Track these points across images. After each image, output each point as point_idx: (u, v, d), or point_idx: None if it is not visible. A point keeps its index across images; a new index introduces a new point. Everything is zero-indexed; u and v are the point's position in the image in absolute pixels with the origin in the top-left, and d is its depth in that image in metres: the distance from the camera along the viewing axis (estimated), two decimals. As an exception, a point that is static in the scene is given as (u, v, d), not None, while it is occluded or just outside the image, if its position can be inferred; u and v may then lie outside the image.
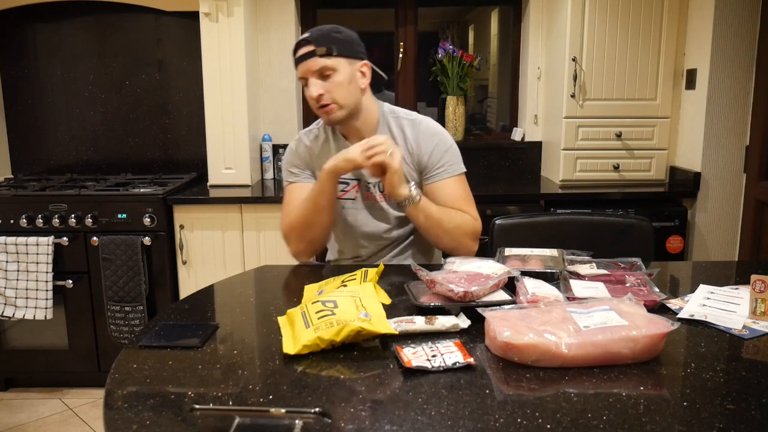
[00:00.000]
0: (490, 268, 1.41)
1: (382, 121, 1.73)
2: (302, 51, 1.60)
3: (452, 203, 1.69)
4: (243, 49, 3.00)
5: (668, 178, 3.12)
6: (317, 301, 1.21)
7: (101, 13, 3.30)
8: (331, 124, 1.70)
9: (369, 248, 1.80)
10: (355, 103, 1.65)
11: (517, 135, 3.53)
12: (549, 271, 1.45)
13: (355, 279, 1.39)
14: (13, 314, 2.78)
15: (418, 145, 1.71)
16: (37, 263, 2.74)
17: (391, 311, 1.29)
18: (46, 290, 2.76)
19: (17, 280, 2.76)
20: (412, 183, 1.63)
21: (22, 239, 2.73)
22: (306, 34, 1.61)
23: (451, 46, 3.40)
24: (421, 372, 1.04)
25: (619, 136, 3.04)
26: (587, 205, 2.88)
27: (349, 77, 1.61)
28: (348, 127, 1.71)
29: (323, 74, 1.59)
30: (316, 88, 1.59)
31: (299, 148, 1.80)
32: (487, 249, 1.94)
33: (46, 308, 2.77)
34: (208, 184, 3.12)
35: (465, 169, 1.76)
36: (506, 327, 1.09)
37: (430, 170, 1.71)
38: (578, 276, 1.44)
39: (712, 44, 2.78)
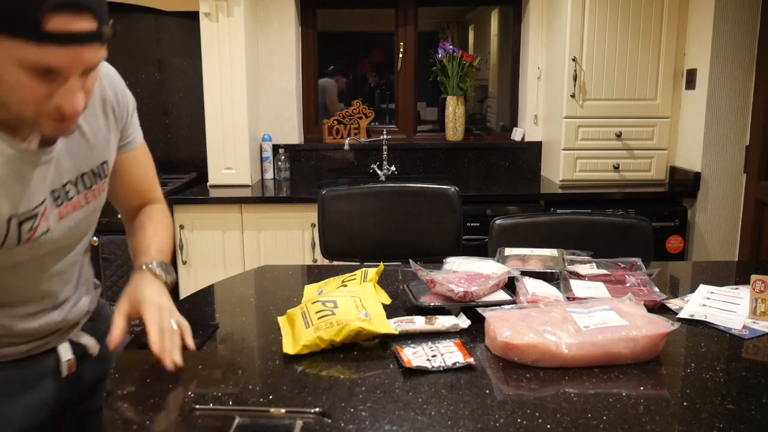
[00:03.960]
0: (490, 268, 1.41)
1: None
2: (79, 26, 0.79)
3: (147, 178, 1.25)
4: (243, 49, 3.00)
5: (668, 178, 3.12)
6: (317, 301, 1.21)
7: (101, 13, 3.30)
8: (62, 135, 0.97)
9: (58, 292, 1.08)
10: None
11: (517, 135, 3.53)
12: (549, 271, 1.45)
13: (355, 279, 1.39)
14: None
15: (118, 96, 1.12)
16: (37, 263, 2.73)
17: (391, 311, 1.29)
18: (46, 290, 2.75)
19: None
20: (157, 272, 1.14)
21: (22, 239, 2.72)
22: None
23: (451, 46, 3.40)
24: (421, 372, 1.04)
25: (619, 136, 3.04)
26: (587, 205, 2.88)
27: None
28: None
29: (86, 70, 0.86)
30: (81, 97, 0.86)
31: None
32: (487, 249, 1.94)
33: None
34: (208, 184, 3.12)
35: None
36: (506, 327, 1.09)
37: (124, 135, 1.15)
38: (578, 276, 1.44)
39: (712, 44, 2.78)
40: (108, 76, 1.09)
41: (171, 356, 1.00)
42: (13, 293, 1.00)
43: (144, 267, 1.11)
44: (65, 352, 1.11)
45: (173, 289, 3.04)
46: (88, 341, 1.17)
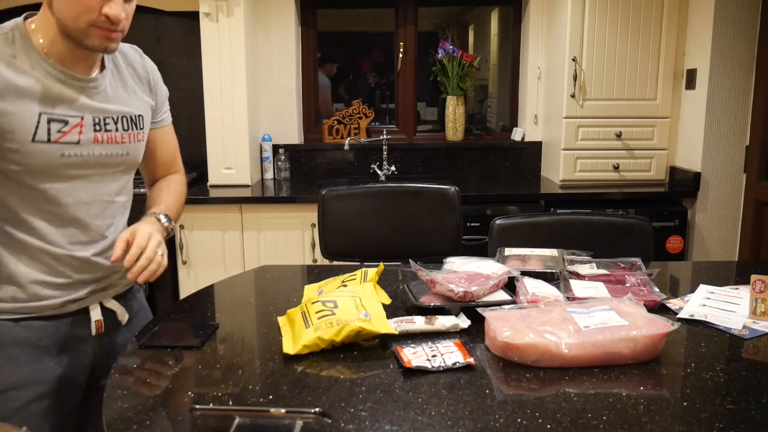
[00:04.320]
0: (490, 268, 1.41)
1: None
2: None
3: (171, 154, 1.50)
4: (243, 49, 3.00)
5: (668, 178, 3.12)
6: (317, 301, 1.21)
7: (101, 13, 3.30)
8: (105, 53, 1.24)
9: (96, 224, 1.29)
10: None
11: (517, 135, 3.53)
12: (549, 271, 1.45)
13: (355, 279, 1.39)
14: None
15: (155, 78, 1.43)
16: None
17: (391, 311, 1.29)
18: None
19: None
20: (160, 217, 1.32)
21: (22, 239, 2.72)
22: None
23: (451, 46, 3.39)
24: (421, 372, 1.04)
25: (619, 136, 3.04)
26: (587, 205, 2.88)
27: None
28: (78, 55, 1.20)
29: None
30: (122, 12, 1.20)
31: None
32: (487, 249, 1.94)
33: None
34: (208, 184, 3.11)
35: None
36: (506, 327, 1.09)
37: (157, 113, 1.44)
38: (578, 276, 1.44)
39: (712, 44, 2.78)
40: (152, 64, 1.41)
41: (138, 273, 1.14)
42: (44, 213, 1.18)
43: (150, 214, 1.31)
44: (95, 313, 1.29)
45: (173, 290, 3.06)
46: (118, 308, 1.34)
